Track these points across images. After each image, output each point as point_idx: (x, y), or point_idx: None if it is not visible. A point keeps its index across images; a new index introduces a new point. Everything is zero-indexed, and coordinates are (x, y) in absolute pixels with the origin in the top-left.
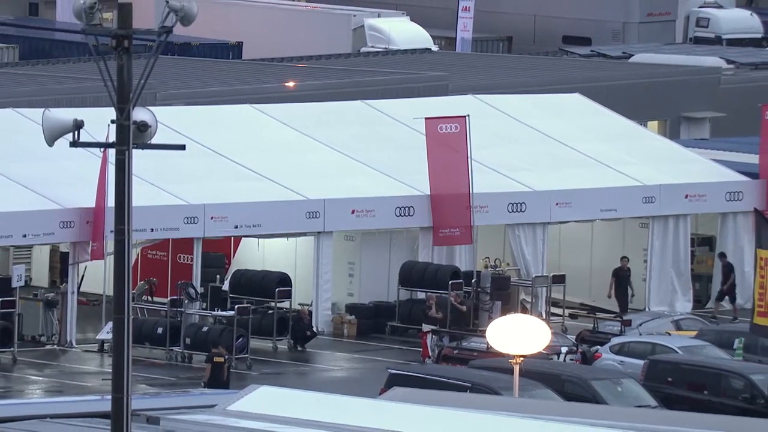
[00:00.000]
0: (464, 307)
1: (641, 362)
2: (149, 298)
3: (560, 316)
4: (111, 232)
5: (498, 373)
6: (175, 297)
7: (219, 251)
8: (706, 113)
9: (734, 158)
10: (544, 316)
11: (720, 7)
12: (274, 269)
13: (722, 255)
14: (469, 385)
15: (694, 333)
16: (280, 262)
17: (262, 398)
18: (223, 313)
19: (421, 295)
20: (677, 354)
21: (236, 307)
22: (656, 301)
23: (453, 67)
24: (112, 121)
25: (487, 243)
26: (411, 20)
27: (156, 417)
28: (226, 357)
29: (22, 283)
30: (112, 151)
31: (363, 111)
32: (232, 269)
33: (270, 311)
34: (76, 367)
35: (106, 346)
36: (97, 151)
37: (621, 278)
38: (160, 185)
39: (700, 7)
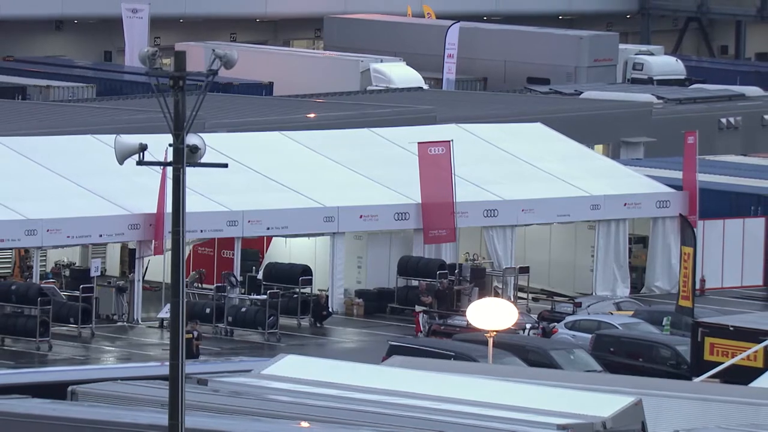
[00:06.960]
0: (429, 299)
1: (589, 336)
2: (199, 285)
3: (525, 299)
4: (169, 232)
5: (476, 344)
6: (220, 284)
7: (254, 248)
8: (641, 138)
9: (663, 174)
10: (512, 300)
11: (652, 54)
12: (299, 262)
13: None
14: (453, 354)
15: (631, 313)
16: (303, 257)
17: (289, 364)
18: (258, 297)
19: (414, 283)
20: (618, 329)
21: (268, 292)
22: (601, 288)
23: (440, 101)
24: (170, 145)
25: (467, 241)
26: (407, 65)
27: (204, 379)
28: (194, 333)
29: (99, 273)
30: (169, 168)
31: (368, 137)
32: (265, 262)
33: (295, 295)
34: (142, 339)
35: (165, 323)
36: (158, 168)
37: None
38: (208, 195)
39: (636, 54)
